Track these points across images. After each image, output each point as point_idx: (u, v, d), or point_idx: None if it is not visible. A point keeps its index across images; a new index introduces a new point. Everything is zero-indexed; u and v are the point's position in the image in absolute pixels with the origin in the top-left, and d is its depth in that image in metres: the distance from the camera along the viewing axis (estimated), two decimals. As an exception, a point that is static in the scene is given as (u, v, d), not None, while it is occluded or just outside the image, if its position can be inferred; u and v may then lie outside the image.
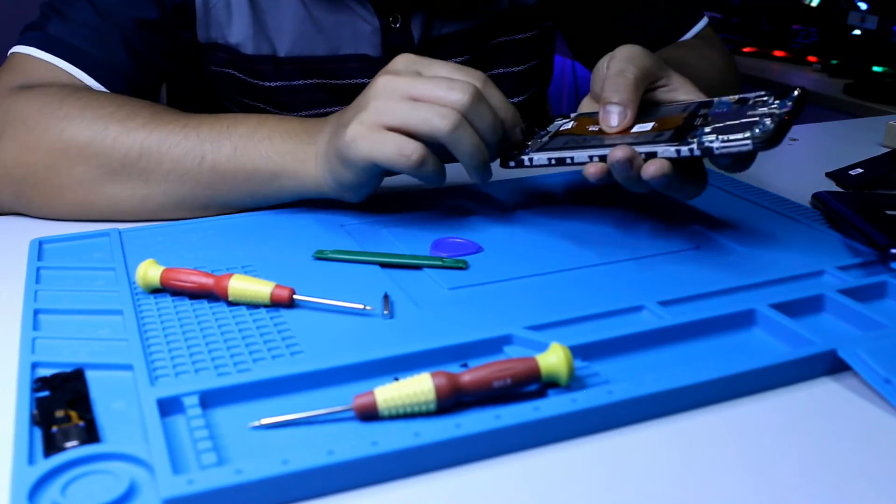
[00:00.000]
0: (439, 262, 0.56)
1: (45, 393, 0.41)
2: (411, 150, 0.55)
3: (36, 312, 0.48)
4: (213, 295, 0.50)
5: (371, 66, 0.80)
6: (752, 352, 0.46)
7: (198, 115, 0.65)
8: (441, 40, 0.82)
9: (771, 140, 0.51)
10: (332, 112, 0.82)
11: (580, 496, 0.36)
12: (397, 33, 0.80)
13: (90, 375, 0.42)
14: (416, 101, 0.56)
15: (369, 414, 0.39)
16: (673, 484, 0.36)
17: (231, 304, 0.50)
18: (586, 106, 0.64)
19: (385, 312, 0.49)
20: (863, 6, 1.88)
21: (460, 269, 0.55)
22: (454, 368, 0.43)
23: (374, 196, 0.64)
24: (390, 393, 0.39)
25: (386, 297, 0.50)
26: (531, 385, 0.41)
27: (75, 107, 0.64)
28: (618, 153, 0.53)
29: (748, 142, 0.51)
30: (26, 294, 0.51)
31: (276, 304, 0.50)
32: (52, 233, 0.61)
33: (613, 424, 0.40)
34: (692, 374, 0.42)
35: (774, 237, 0.61)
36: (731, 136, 0.52)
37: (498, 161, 0.61)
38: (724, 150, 0.52)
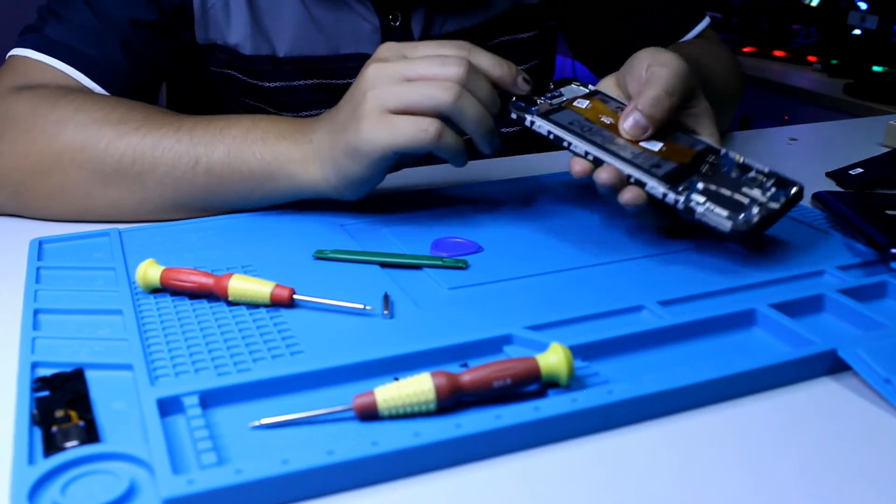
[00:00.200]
0: (439, 262, 0.56)
1: (45, 393, 0.41)
2: (427, 125, 0.55)
3: (36, 312, 0.48)
4: (213, 295, 0.50)
5: None
6: (752, 352, 0.46)
7: (191, 116, 0.64)
8: (441, 39, 0.82)
9: (748, 234, 0.52)
10: None
11: (580, 496, 0.36)
12: (397, 32, 0.80)
13: (90, 375, 0.42)
14: (412, 81, 0.56)
15: (369, 414, 0.39)
16: (673, 484, 0.36)
17: (231, 303, 0.50)
18: (606, 86, 0.64)
19: (385, 312, 0.49)
20: (863, 6, 1.88)
21: (460, 268, 0.55)
22: (454, 368, 0.43)
23: (374, 196, 0.64)
24: (390, 393, 0.39)
25: (386, 297, 0.50)
26: (531, 385, 0.41)
27: (68, 109, 0.64)
28: (603, 175, 0.55)
29: (728, 224, 0.52)
30: (26, 294, 0.51)
31: (276, 303, 0.50)
32: (52, 233, 0.61)
33: (613, 424, 0.40)
34: (692, 374, 0.42)
35: (774, 237, 0.61)
36: (717, 210, 0.53)
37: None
38: (704, 219, 0.53)
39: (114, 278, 0.54)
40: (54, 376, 0.42)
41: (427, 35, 0.81)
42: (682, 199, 0.53)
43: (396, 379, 0.42)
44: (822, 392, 0.43)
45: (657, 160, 0.56)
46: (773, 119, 1.90)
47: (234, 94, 0.82)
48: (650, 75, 0.59)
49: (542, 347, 0.42)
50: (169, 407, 0.39)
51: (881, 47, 1.85)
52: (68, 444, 0.37)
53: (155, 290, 0.52)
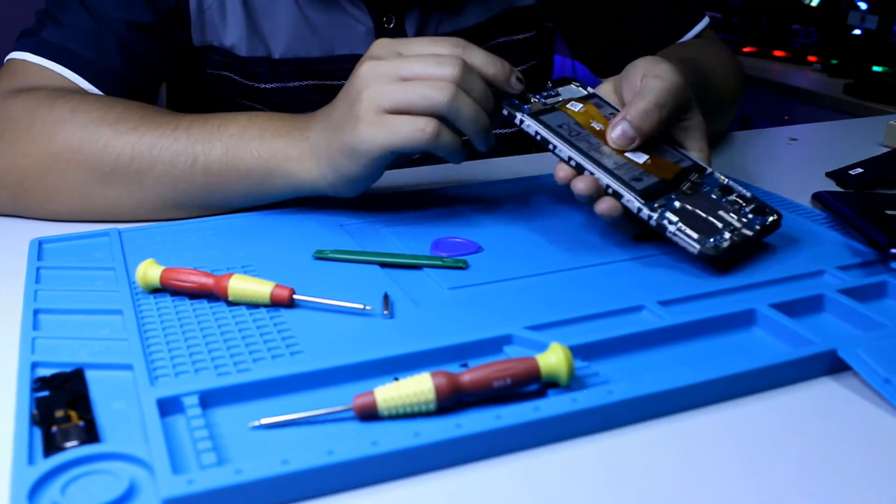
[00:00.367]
0: (439, 262, 0.56)
1: (45, 393, 0.41)
2: (423, 124, 0.55)
3: (36, 312, 0.48)
4: (213, 295, 0.50)
5: None
6: (752, 352, 0.46)
7: (188, 115, 0.64)
8: None
9: (716, 258, 0.53)
10: None
11: (580, 496, 0.36)
12: (391, 34, 0.80)
13: (90, 375, 0.42)
14: (407, 80, 0.56)
15: (369, 414, 0.39)
16: (673, 484, 0.36)
17: (231, 304, 0.50)
18: (605, 90, 0.64)
19: (385, 312, 0.49)
20: (863, 6, 1.88)
21: (460, 268, 0.55)
22: (454, 368, 0.43)
23: (374, 196, 0.64)
24: (390, 393, 0.39)
25: (386, 297, 0.50)
26: (531, 385, 0.41)
27: (65, 110, 0.64)
28: (580, 185, 0.56)
29: (696, 247, 0.53)
30: (26, 294, 0.51)
31: (276, 303, 0.50)
32: (51, 233, 0.61)
33: (613, 424, 0.40)
34: (692, 374, 0.42)
35: (774, 237, 0.61)
36: (687, 231, 0.54)
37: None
38: (675, 238, 0.54)
39: (114, 278, 0.54)
40: (54, 376, 0.42)
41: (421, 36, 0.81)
42: (655, 215, 0.54)
43: (396, 379, 0.42)
44: (822, 392, 0.43)
45: (639, 173, 0.56)
46: (773, 119, 1.90)
47: (230, 96, 0.82)
48: (643, 86, 0.59)
49: (542, 347, 0.42)
50: (169, 407, 0.39)
51: (881, 47, 1.85)
52: (68, 444, 0.36)
53: (155, 290, 0.52)
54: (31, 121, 0.64)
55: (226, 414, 0.40)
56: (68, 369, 0.43)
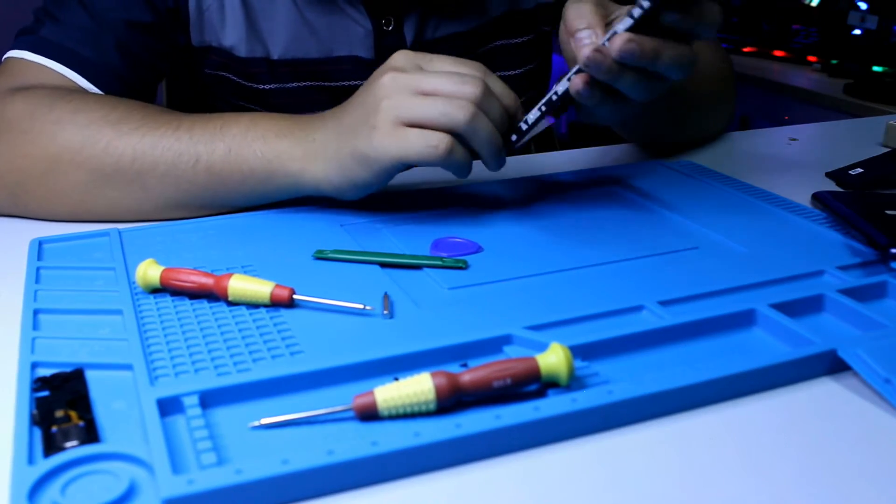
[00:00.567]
0: (439, 262, 0.56)
1: (45, 393, 0.41)
2: (437, 141, 0.56)
3: (36, 312, 0.48)
4: (213, 295, 0.50)
5: (364, 68, 0.80)
6: (752, 352, 0.46)
7: (191, 115, 0.64)
8: (434, 43, 0.82)
9: None
10: None
11: (580, 496, 0.36)
12: (390, 36, 0.80)
13: (90, 375, 0.42)
14: (428, 95, 0.57)
15: (369, 414, 0.39)
16: (673, 484, 0.36)
17: (231, 304, 0.50)
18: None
19: (385, 312, 0.49)
20: (863, 6, 1.88)
21: (460, 268, 0.55)
22: (454, 368, 0.43)
23: (374, 196, 0.64)
24: (390, 393, 0.39)
25: (386, 296, 0.50)
26: (531, 385, 0.41)
27: (66, 110, 0.64)
28: (585, 51, 0.54)
29: None
30: (26, 294, 0.51)
31: (276, 303, 0.50)
32: (51, 233, 0.61)
33: (613, 424, 0.40)
34: (692, 374, 0.42)
35: (775, 237, 0.61)
36: None
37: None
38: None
39: (114, 278, 0.54)
40: (54, 376, 0.42)
41: (420, 39, 0.81)
42: (637, 4, 0.52)
43: (396, 379, 0.42)
44: (822, 392, 0.43)
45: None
46: (773, 119, 1.90)
47: (228, 96, 0.82)
48: (564, 13, 0.59)
49: (542, 347, 0.42)
50: (169, 407, 0.39)
51: (881, 47, 1.85)
52: (68, 444, 0.36)
53: (155, 290, 0.52)
54: (30, 121, 0.64)
55: (226, 414, 0.40)
56: (68, 369, 0.43)
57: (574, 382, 0.41)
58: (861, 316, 0.48)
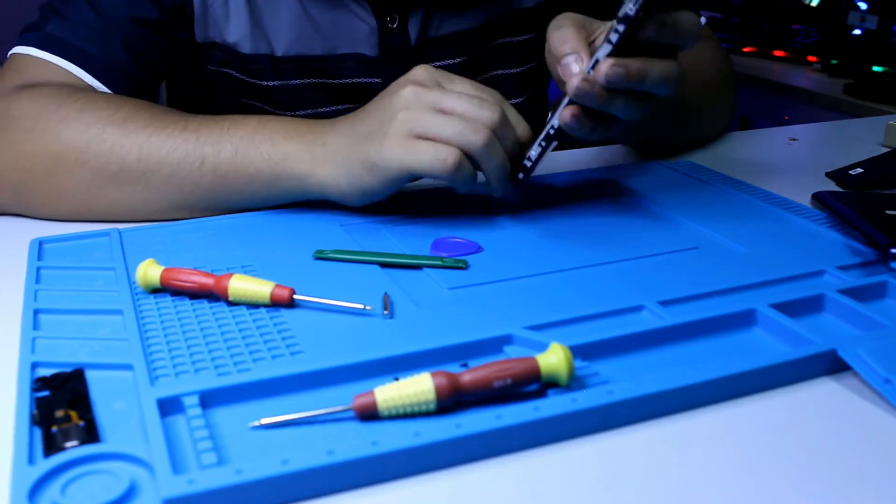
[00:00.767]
0: (439, 262, 0.56)
1: (45, 393, 0.41)
2: (447, 154, 0.56)
3: (36, 312, 0.48)
4: (213, 295, 0.50)
5: (368, 66, 0.80)
6: (752, 352, 0.46)
7: (197, 116, 0.64)
8: (438, 41, 0.82)
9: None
10: (329, 111, 0.82)
11: (580, 496, 0.36)
12: (394, 33, 0.80)
13: (90, 375, 0.42)
14: (446, 113, 0.57)
15: (369, 414, 0.39)
16: (673, 484, 0.36)
17: (231, 304, 0.50)
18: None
19: (385, 312, 0.49)
20: (863, 6, 1.88)
21: (460, 268, 0.55)
22: (454, 368, 0.43)
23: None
24: (390, 393, 0.39)
25: (386, 296, 0.50)
26: (531, 385, 0.41)
27: (73, 109, 0.64)
28: (573, 81, 0.54)
29: (632, 3, 0.51)
30: (26, 294, 0.51)
31: (276, 304, 0.50)
32: (52, 233, 0.61)
33: (613, 424, 0.40)
34: (692, 374, 0.42)
35: (775, 237, 0.61)
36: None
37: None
38: (636, 6, 0.51)
39: (114, 278, 0.54)
40: (54, 376, 0.42)
41: (423, 37, 0.81)
42: (612, 25, 0.52)
43: (396, 379, 0.42)
44: (822, 392, 0.43)
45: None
46: (773, 119, 1.90)
47: (231, 94, 0.82)
48: (548, 38, 0.59)
49: (542, 347, 0.42)
50: (169, 407, 0.39)
51: (881, 47, 1.85)
52: (68, 444, 0.37)
53: (155, 290, 0.52)
54: (35, 119, 0.64)
55: (226, 414, 0.40)
56: (68, 369, 0.43)
57: (574, 382, 0.41)
58: (861, 316, 0.48)
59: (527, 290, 0.53)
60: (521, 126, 0.61)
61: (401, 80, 0.60)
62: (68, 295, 0.51)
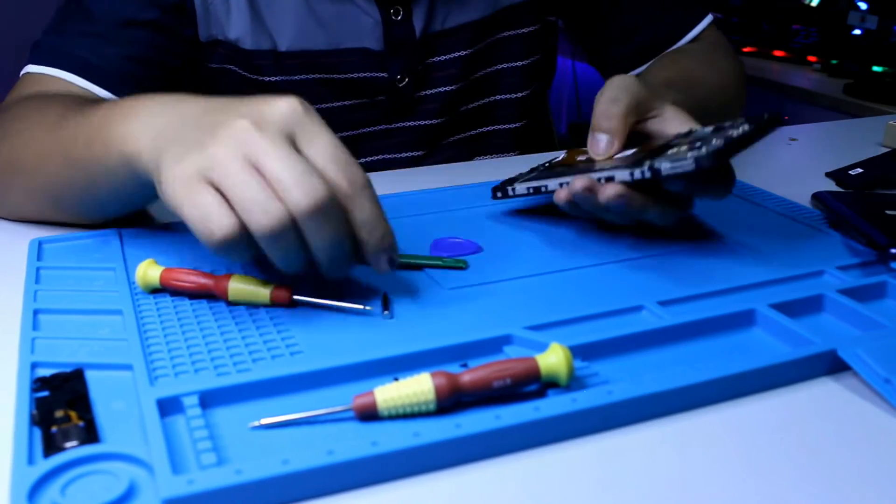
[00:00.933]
0: (439, 262, 0.56)
1: (45, 393, 0.41)
2: (217, 226, 0.43)
3: (36, 312, 0.48)
4: (212, 295, 0.50)
5: (373, 60, 0.80)
6: (752, 352, 0.46)
7: (105, 103, 0.59)
8: (443, 34, 0.82)
9: (714, 156, 0.49)
10: (333, 107, 0.82)
11: (580, 496, 0.36)
12: (399, 26, 0.80)
13: (90, 375, 0.42)
14: (260, 174, 0.44)
15: (369, 414, 0.39)
16: (673, 484, 0.36)
17: (231, 304, 0.50)
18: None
19: (385, 312, 0.49)
20: (863, 6, 1.88)
21: (460, 269, 0.55)
22: (454, 368, 0.43)
23: (374, 196, 0.64)
24: (390, 393, 0.39)
25: (386, 296, 0.50)
26: (531, 385, 0.41)
27: (24, 115, 0.65)
28: (577, 183, 0.54)
29: (690, 160, 0.50)
30: (26, 294, 0.51)
31: (275, 304, 0.50)
32: (52, 233, 0.61)
33: (613, 424, 0.40)
34: (692, 374, 0.42)
35: (774, 237, 0.61)
36: (679, 155, 0.51)
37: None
38: (672, 171, 0.51)
39: (114, 278, 0.54)
40: (54, 376, 0.42)
41: (429, 29, 0.81)
42: (646, 167, 0.52)
43: (396, 379, 0.42)
44: (822, 392, 0.43)
45: (630, 161, 0.55)
46: (773, 119, 1.90)
47: (233, 90, 0.82)
48: (597, 98, 0.60)
49: (542, 347, 0.42)
50: (169, 407, 0.39)
51: (881, 47, 1.85)
52: (68, 445, 0.36)
53: (155, 291, 0.52)
54: (10, 123, 0.66)
55: (226, 414, 0.40)
56: (68, 369, 0.43)
57: (574, 382, 0.41)
58: (861, 316, 0.48)
59: (527, 290, 0.53)
60: (369, 226, 0.47)
61: (262, 105, 0.46)
62: (68, 295, 0.51)
